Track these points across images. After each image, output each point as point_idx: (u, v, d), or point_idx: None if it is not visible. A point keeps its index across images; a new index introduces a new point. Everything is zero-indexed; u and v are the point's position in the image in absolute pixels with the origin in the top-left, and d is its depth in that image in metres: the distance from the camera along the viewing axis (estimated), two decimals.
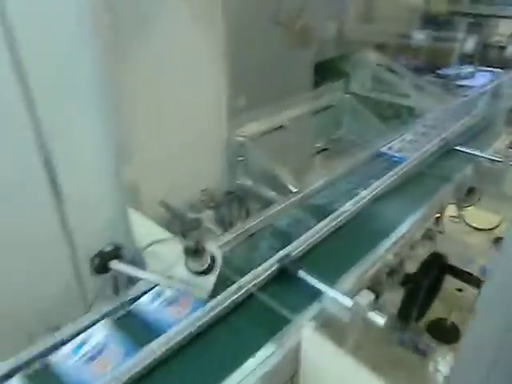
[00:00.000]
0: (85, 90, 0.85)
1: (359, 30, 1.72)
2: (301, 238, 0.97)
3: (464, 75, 2.06)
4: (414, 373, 1.80)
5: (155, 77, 1.00)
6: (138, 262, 0.92)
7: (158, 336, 0.69)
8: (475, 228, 2.83)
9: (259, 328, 0.77)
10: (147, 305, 0.77)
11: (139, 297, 0.80)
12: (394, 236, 1.03)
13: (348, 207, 1.08)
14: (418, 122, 1.56)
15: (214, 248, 0.76)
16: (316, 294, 0.83)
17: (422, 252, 1.49)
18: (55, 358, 0.65)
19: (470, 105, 1.69)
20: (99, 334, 0.68)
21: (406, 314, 0.95)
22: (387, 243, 1.00)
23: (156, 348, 0.68)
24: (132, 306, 0.78)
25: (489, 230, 2.75)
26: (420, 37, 1.89)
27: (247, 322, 0.79)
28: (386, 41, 1.84)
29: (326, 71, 1.65)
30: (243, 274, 0.84)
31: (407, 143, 1.43)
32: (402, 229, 1.05)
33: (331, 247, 0.98)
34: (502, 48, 1.83)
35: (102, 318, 0.74)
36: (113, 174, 0.97)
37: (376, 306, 0.79)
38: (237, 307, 0.81)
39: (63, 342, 0.68)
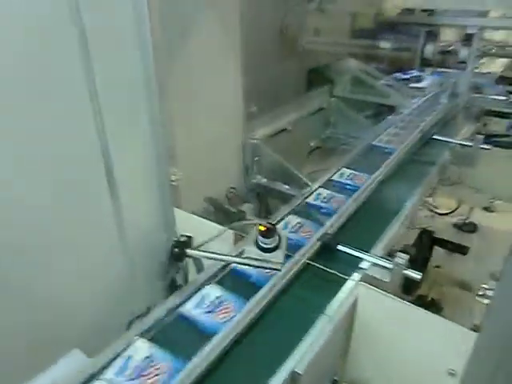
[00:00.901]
0: (139, 91, 0.85)
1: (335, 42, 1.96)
2: (332, 217, 1.12)
3: (420, 77, 2.37)
4: None
5: (192, 81, 1.08)
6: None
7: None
8: (437, 213, 3.13)
9: (318, 294, 0.90)
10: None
11: None
12: (404, 211, 1.21)
13: (362, 189, 1.25)
14: (397, 118, 1.79)
15: (279, 229, 0.89)
16: (356, 263, 0.98)
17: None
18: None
19: (435, 101, 1.96)
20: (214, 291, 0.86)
21: (407, 287, 1.12)
22: (401, 217, 1.18)
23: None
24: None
25: (449, 213, 3.06)
26: (386, 45, 2.20)
27: (306, 291, 0.92)
28: (357, 51, 2.10)
29: (314, 78, 1.86)
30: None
31: (393, 136, 1.65)
32: (409, 205, 1.24)
33: (357, 223, 1.15)
34: (455, 53, 2.17)
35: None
36: (162, 176, 1.04)
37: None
38: (295, 278, 0.94)
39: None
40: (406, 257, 0.95)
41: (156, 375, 0.68)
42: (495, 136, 1.99)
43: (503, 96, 2.04)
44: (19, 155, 0.67)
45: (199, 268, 1.03)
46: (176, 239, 0.89)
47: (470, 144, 1.61)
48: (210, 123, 1.23)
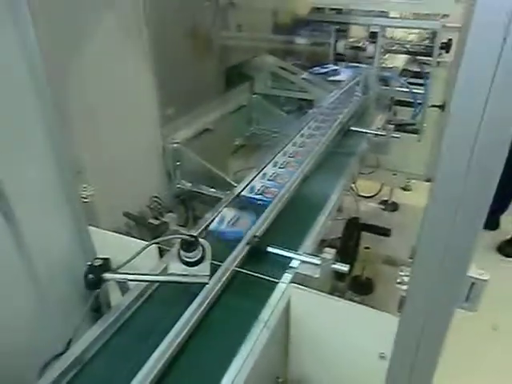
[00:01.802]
0: (29, 102, 0.79)
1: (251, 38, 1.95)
2: (259, 219, 1.10)
3: (334, 71, 2.48)
4: None
5: (91, 90, 1.00)
6: None
7: None
8: (362, 196, 3.32)
9: (251, 300, 0.89)
10: None
11: None
12: (330, 204, 1.24)
13: (287, 187, 1.25)
14: (317, 112, 1.83)
15: (202, 240, 0.85)
16: (286, 263, 0.98)
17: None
18: None
19: (349, 94, 2.05)
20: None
21: (340, 275, 1.15)
22: (327, 210, 1.20)
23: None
24: None
25: (373, 196, 3.26)
26: (301, 41, 2.25)
27: (238, 296, 0.90)
28: (274, 46, 2.12)
29: (233, 76, 1.83)
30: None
31: (313, 130, 1.68)
32: (334, 197, 1.28)
33: (285, 222, 1.15)
34: (364, 49, 2.33)
35: None
36: (70, 192, 0.94)
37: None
38: (226, 287, 0.91)
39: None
40: (333, 251, 0.96)
41: None
42: (404, 124, 2.19)
43: (406, 88, 2.24)
44: None
45: (123, 289, 0.95)
46: (89, 264, 0.80)
47: (384, 133, 1.71)
48: (121, 131, 1.14)
